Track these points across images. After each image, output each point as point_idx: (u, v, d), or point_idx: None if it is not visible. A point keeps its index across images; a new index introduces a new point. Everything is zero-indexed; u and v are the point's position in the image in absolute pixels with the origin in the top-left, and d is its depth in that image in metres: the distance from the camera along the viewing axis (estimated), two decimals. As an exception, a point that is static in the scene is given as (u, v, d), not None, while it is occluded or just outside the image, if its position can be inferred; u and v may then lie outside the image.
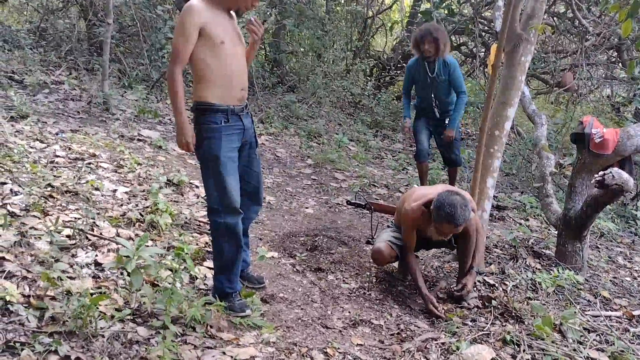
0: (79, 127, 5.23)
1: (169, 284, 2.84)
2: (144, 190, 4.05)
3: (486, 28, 9.16)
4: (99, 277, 2.89)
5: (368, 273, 3.70)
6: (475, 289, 3.58)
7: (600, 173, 3.43)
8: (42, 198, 3.50)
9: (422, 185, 5.20)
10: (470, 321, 3.19)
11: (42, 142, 4.49)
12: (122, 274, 2.93)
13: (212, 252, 2.94)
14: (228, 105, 2.76)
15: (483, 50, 9.66)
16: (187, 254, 3.03)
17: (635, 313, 3.48)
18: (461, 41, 10.07)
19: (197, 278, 3.15)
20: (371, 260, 3.65)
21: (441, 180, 5.96)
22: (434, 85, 5.08)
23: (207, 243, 3.65)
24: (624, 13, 3.42)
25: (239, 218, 2.85)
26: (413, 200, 3.38)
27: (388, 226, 3.85)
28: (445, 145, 5.25)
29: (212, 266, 3.34)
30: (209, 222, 2.93)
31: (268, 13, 8.07)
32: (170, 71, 2.66)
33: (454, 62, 5.06)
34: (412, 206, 3.34)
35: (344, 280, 3.56)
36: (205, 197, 2.88)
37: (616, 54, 8.98)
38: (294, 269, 3.61)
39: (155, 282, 2.92)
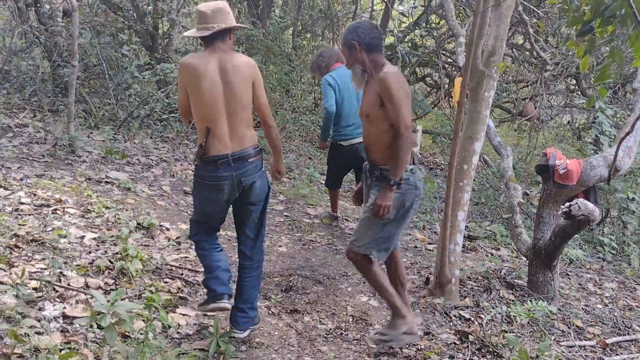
0: (44, 171, 5.12)
1: (141, 334, 2.76)
2: (112, 236, 3.96)
3: (449, 60, 9.41)
4: (67, 331, 2.80)
5: (344, 312, 3.67)
6: (451, 323, 3.59)
7: (567, 204, 3.50)
8: (8, 249, 3.40)
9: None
10: (448, 358, 3.18)
11: (6, 189, 4.38)
12: (91, 326, 2.84)
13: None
14: None
15: (447, 81, 9.90)
16: (157, 306, 2.93)
17: (609, 341, 3.53)
18: (425, 73, 10.31)
19: (170, 327, 3.08)
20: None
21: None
22: None
23: (179, 288, 3.58)
24: (581, 49, 3.56)
25: None
26: None
27: None
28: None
29: (185, 312, 3.30)
30: None
31: (235, 50, 8.11)
32: None
33: (322, 81, 4.96)
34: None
35: (320, 321, 3.52)
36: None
37: (575, 81, 9.31)
38: (270, 312, 3.56)
39: (127, 334, 2.84)
